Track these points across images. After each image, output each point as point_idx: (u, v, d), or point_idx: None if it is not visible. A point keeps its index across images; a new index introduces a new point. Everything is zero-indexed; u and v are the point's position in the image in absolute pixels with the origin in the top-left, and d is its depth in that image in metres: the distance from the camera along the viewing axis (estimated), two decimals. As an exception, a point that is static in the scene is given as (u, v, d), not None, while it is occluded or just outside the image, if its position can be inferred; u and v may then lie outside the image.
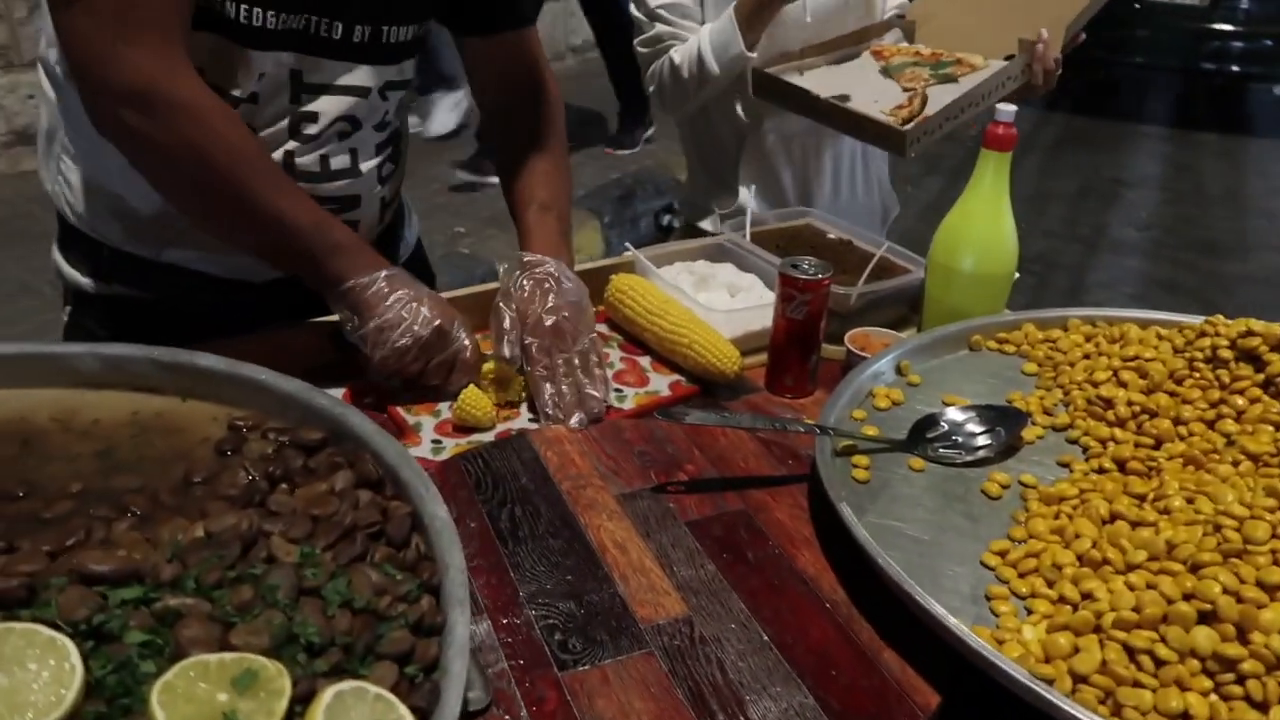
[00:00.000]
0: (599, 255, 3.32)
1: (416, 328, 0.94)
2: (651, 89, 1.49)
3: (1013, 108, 1.02)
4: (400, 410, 0.97)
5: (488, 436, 0.94)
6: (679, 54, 1.42)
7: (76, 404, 0.77)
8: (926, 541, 0.77)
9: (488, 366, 0.99)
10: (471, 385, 0.95)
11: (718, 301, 1.16)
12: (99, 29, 0.84)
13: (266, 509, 0.62)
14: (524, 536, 0.80)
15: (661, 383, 1.06)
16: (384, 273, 0.95)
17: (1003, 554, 0.74)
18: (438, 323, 0.95)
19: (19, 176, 2.67)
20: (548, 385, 0.97)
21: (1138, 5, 5.84)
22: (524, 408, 0.99)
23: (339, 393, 0.99)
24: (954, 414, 0.91)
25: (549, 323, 1.00)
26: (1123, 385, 0.92)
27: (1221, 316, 0.93)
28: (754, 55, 1.39)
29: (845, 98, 1.36)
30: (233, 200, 0.90)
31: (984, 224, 1.05)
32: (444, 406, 0.97)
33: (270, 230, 0.92)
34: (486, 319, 1.05)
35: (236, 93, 0.97)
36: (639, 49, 1.49)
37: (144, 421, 0.75)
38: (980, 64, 1.41)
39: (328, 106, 1.03)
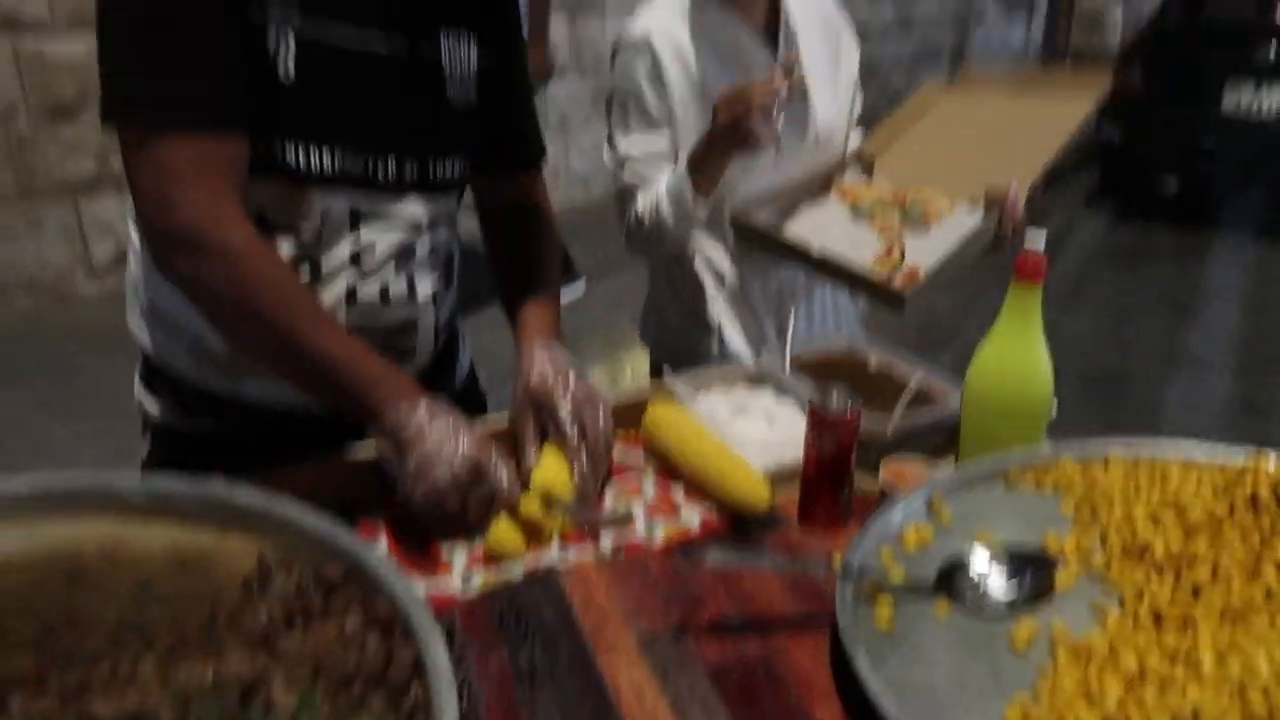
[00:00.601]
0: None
1: (454, 466, 0.95)
2: (623, 234, 1.52)
3: (1042, 234, 1.03)
4: (439, 543, 0.99)
5: (517, 570, 0.95)
6: (641, 203, 1.45)
7: (123, 535, 0.81)
8: (947, 696, 0.75)
9: (527, 508, 1.00)
10: (504, 516, 0.97)
11: (753, 431, 1.17)
12: (157, 177, 0.92)
13: (276, 650, 0.64)
14: (541, 678, 0.80)
15: (693, 515, 1.06)
16: (422, 407, 0.97)
17: (1025, 713, 0.72)
18: (475, 461, 0.96)
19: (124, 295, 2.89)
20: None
21: (1214, 117, 5.79)
22: (554, 547, 1.00)
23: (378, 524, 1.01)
24: (984, 558, 0.89)
25: (582, 394, 1.08)
26: (1162, 527, 0.89)
27: (1264, 456, 0.90)
28: (701, 213, 1.41)
29: (833, 252, 1.38)
30: (275, 338, 0.96)
31: (1017, 356, 1.05)
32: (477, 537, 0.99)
33: (310, 365, 0.97)
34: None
35: (303, 230, 1.04)
36: (612, 193, 1.53)
37: (183, 555, 0.79)
38: (946, 206, 1.44)
39: (384, 239, 1.10)
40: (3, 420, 2.92)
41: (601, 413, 1.08)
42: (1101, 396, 3.78)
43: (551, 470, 1.03)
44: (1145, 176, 6.71)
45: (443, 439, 0.96)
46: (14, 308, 3.69)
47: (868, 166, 1.58)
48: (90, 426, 2.87)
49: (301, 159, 1.01)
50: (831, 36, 1.58)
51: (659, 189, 1.43)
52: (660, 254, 1.52)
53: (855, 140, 1.64)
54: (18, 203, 3.65)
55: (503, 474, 0.99)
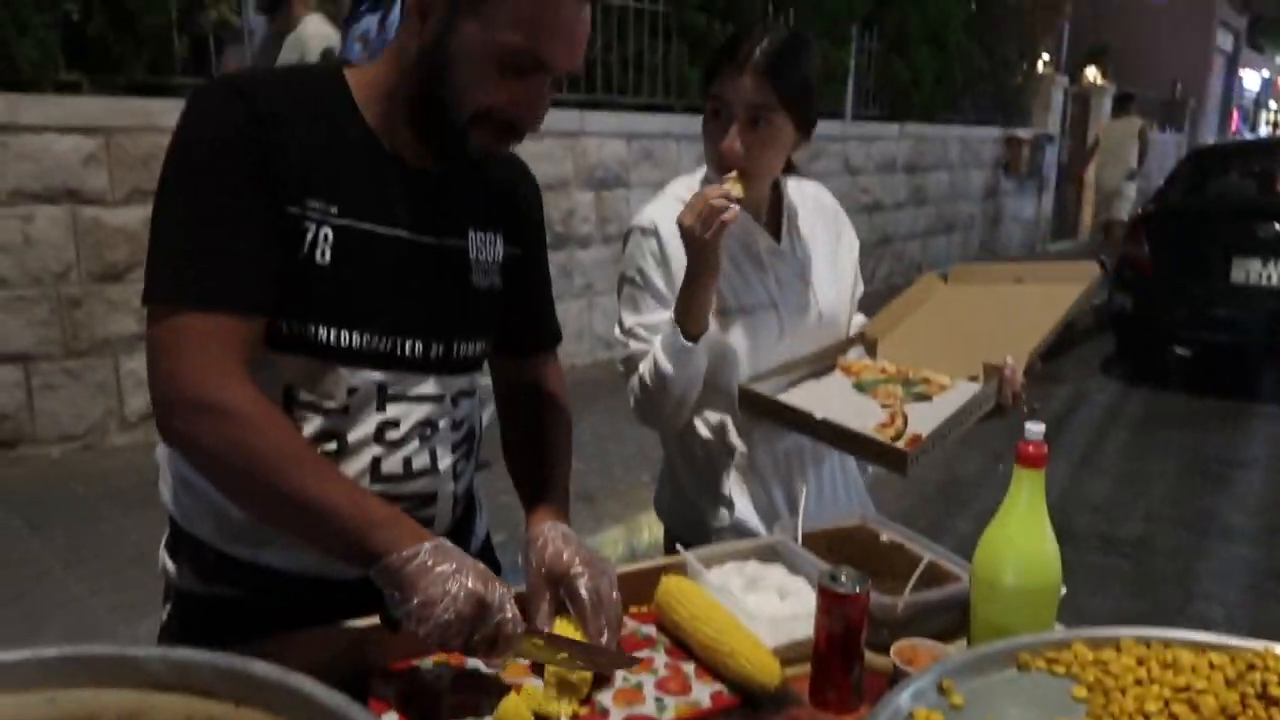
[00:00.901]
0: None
1: (459, 603, 0.95)
2: (632, 404, 1.55)
3: (1041, 426, 1.06)
4: (446, 717, 0.99)
5: (526, 746, 0.95)
6: (644, 366, 1.49)
7: (141, 706, 0.83)
8: None
9: (551, 670, 1.01)
10: (512, 695, 0.97)
11: (765, 606, 1.18)
12: (170, 346, 0.99)
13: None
14: None
15: (704, 692, 1.06)
16: (426, 545, 0.97)
17: None
18: (480, 597, 0.96)
19: (154, 447, 2.98)
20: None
21: (1224, 289, 5.91)
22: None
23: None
24: (994, 744, 0.88)
25: (595, 567, 1.11)
26: (1175, 718, 0.88)
27: (1274, 648, 0.90)
28: (695, 346, 1.43)
29: (836, 417, 1.42)
30: (275, 490, 0.98)
31: (1023, 540, 1.07)
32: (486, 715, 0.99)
33: (311, 513, 0.98)
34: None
35: (330, 405, 1.10)
36: (619, 368, 1.58)
37: (197, 727, 0.80)
38: (947, 383, 1.49)
39: (409, 414, 1.15)
40: (26, 569, 2.94)
41: (613, 585, 1.10)
42: (1126, 565, 3.71)
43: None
44: (1159, 344, 6.79)
45: (446, 577, 0.95)
46: (46, 457, 3.76)
47: (870, 348, 1.65)
48: (110, 580, 2.87)
49: (332, 338, 1.07)
50: (831, 227, 1.69)
51: (654, 348, 1.47)
52: (667, 418, 1.55)
53: (858, 322, 1.71)
54: (61, 359, 3.79)
55: (508, 612, 0.98)
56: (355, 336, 1.08)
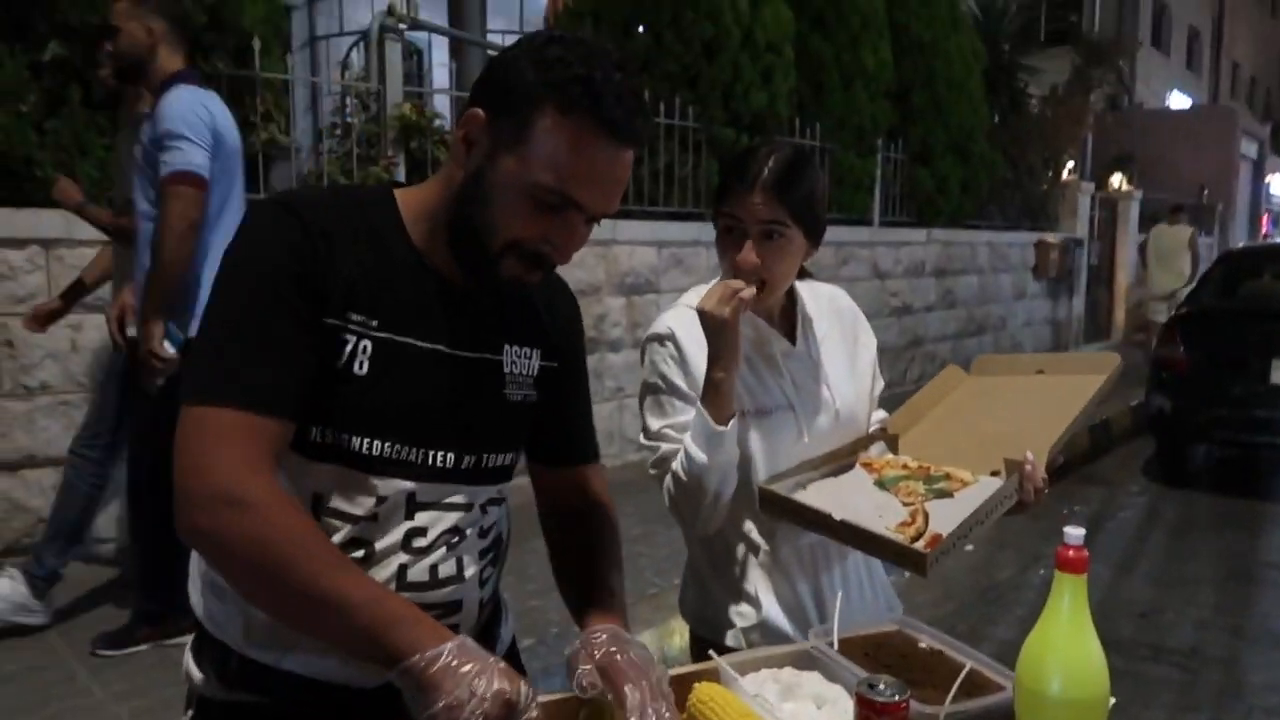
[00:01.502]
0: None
1: (486, 705, 0.92)
2: (669, 505, 1.55)
3: (1081, 530, 1.04)
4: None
5: None
6: (676, 462, 1.50)
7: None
8: None
9: None
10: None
11: (801, 715, 1.15)
12: (198, 441, 0.99)
13: None
14: None
15: (739, 806, 1.02)
16: (450, 645, 0.95)
17: None
18: (507, 698, 0.93)
19: (187, 553, 2.98)
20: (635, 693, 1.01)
21: (1264, 389, 5.83)
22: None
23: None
24: None
25: (631, 657, 1.06)
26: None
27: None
28: (725, 429, 1.44)
29: (855, 517, 1.40)
30: (294, 584, 0.96)
31: (1068, 647, 1.03)
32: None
33: (330, 610, 0.96)
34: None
35: (358, 513, 1.10)
36: (651, 472, 1.58)
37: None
38: (969, 479, 1.48)
39: (436, 522, 1.15)
40: (50, 674, 2.92)
41: (668, 695, 1.06)
42: (1176, 675, 3.56)
43: None
44: (1199, 446, 6.67)
45: (471, 680, 0.92)
46: (77, 560, 3.77)
47: (891, 444, 1.64)
48: (135, 684, 2.85)
49: (364, 447, 1.08)
50: (847, 328, 1.70)
51: (685, 442, 1.48)
52: (705, 513, 1.53)
53: (878, 419, 1.71)
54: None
55: (534, 711, 0.96)
56: (387, 446, 1.09)
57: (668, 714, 1.02)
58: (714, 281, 1.61)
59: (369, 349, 1.08)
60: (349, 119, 4.85)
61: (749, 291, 1.42)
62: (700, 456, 1.45)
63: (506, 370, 1.21)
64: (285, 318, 1.03)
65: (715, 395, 1.45)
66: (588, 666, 1.05)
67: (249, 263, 1.05)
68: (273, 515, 0.98)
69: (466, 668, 0.93)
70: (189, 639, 1.24)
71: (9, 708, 2.72)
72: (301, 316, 1.04)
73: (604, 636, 1.11)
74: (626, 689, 1.02)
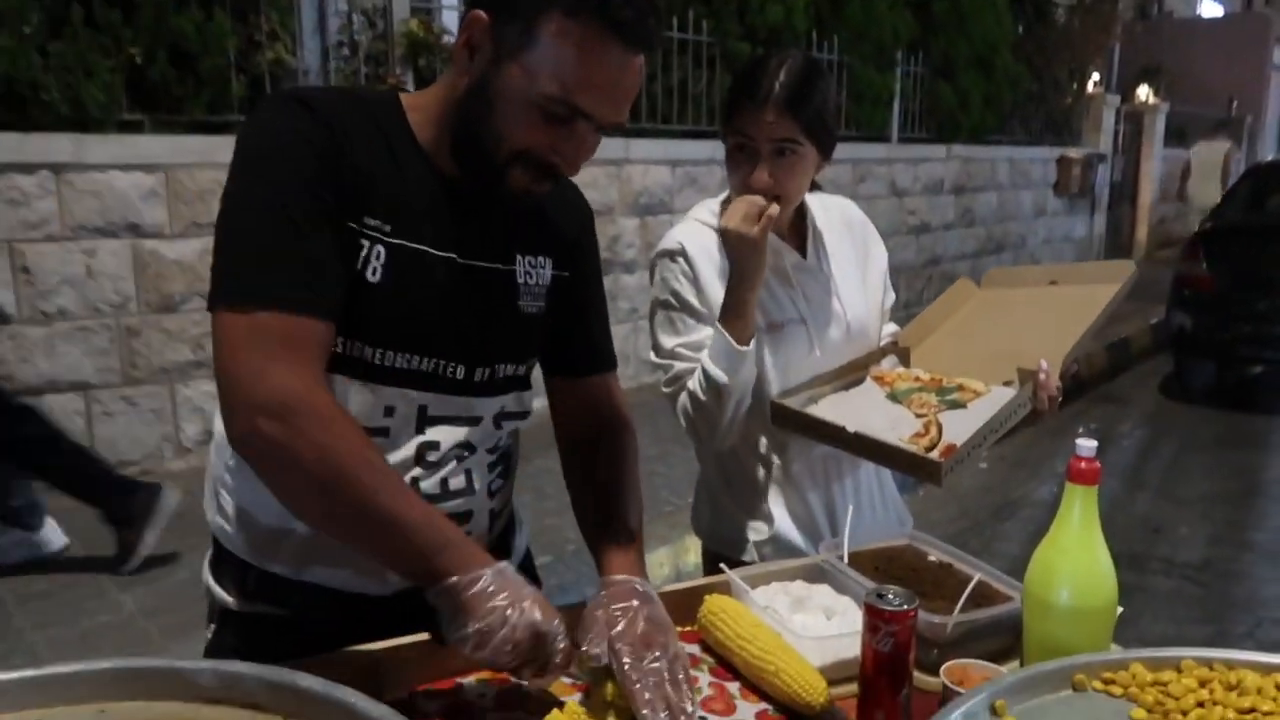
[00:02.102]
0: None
1: (517, 633, 0.94)
2: (684, 424, 1.55)
3: (1093, 442, 1.04)
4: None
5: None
6: (693, 382, 1.49)
7: (191, 718, 0.84)
8: None
9: (599, 694, 1.00)
10: (555, 712, 0.97)
11: (811, 626, 1.17)
12: (250, 348, 0.96)
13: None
14: None
15: (749, 711, 1.05)
16: (489, 571, 0.97)
17: None
18: (539, 629, 0.96)
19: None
20: (644, 693, 0.97)
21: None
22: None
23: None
24: (1049, 766, 0.85)
25: (639, 628, 1.02)
26: (1239, 741, 0.85)
27: (1343, 667, 0.86)
28: (748, 349, 1.43)
29: (869, 430, 1.40)
30: (353, 498, 0.96)
31: (1076, 557, 1.04)
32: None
33: (384, 527, 0.97)
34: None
35: (371, 425, 1.10)
36: (664, 390, 1.57)
37: (245, 739, 0.81)
38: (982, 389, 1.46)
39: (448, 435, 1.15)
40: (81, 590, 3.00)
41: (684, 667, 1.03)
42: (1192, 589, 3.59)
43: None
44: (1220, 364, 6.62)
45: (506, 605, 0.95)
46: (105, 485, 3.86)
47: (903, 357, 1.63)
48: (164, 601, 2.93)
49: (376, 357, 1.08)
50: (859, 240, 1.68)
51: (703, 360, 1.47)
52: (723, 431, 1.53)
53: (889, 332, 1.70)
54: (120, 386, 3.89)
55: (562, 643, 0.98)
56: (400, 358, 1.09)
57: (683, 700, 0.98)
58: (723, 196, 1.59)
59: (383, 255, 1.05)
60: (356, 37, 4.75)
61: (774, 209, 1.40)
62: (720, 376, 1.44)
63: (520, 281, 1.19)
64: (318, 214, 1.00)
65: (738, 315, 1.44)
66: (599, 650, 1.01)
67: (271, 152, 1.01)
68: (342, 429, 0.97)
69: (503, 595, 0.95)
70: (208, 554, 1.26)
71: (41, 622, 2.81)
72: (330, 213, 1.01)
73: (624, 590, 1.08)
74: (637, 692, 0.98)
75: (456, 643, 0.96)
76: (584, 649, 1.00)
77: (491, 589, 0.95)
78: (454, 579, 0.95)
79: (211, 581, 1.23)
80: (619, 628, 1.02)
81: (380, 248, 1.05)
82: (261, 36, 4.22)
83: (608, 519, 1.21)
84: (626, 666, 0.98)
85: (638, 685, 0.97)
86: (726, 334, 1.43)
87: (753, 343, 1.45)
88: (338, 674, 0.85)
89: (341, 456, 0.96)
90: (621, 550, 1.16)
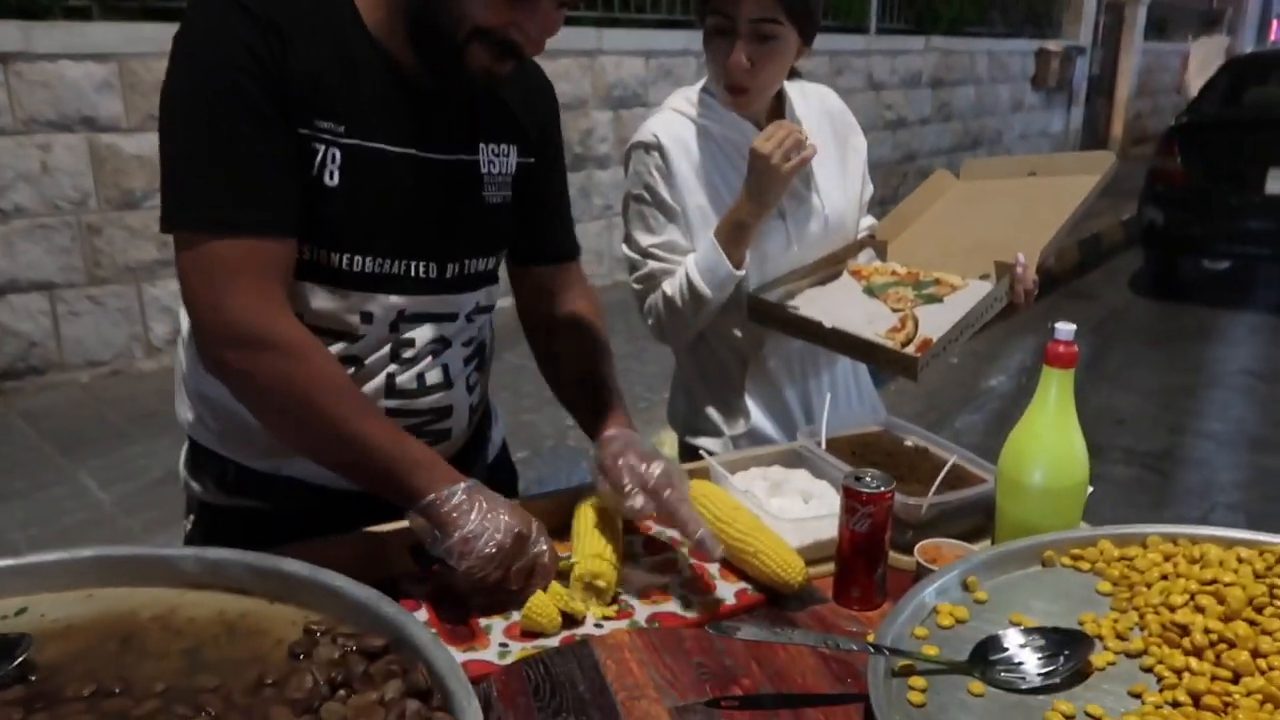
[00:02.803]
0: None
1: (499, 536, 0.98)
2: (650, 322, 1.56)
3: (1071, 326, 1.04)
4: (478, 616, 1.00)
5: (553, 641, 0.97)
6: (670, 286, 1.49)
7: (176, 603, 0.84)
8: (981, 774, 0.74)
9: (581, 570, 1.02)
10: (539, 592, 0.99)
11: (789, 509, 1.18)
12: (210, 276, 0.96)
13: (319, 716, 0.66)
14: (574, 749, 0.81)
15: (728, 590, 1.07)
16: (462, 485, 1.00)
17: (1060, 793, 0.71)
18: (518, 530, 0.99)
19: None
20: (687, 509, 1.04)
21: (1259, 200, 5.77)
22: (589, 617, 1.01)
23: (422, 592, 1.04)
24: (1019, 636, 0.89)
25: (658, 470, 1.07)
26: (1200, 611, 0.88)
27: (1303, 540, 0.89)
28: (742, 273, 1.44)
29: (846, 325, 1.40)
30: (323, 426, 0.99)
31: (1051, 439, 1.06)
32: (514, 610, 1.01)
33: (356, 452, 1.00)
34: (566, 521, 1.13)
35: (344, 330, 1.09)
36: (634, 286, 1.57)
37: (230, 622, 0.82)
38: (959, 283, 1.47)
39: (423, 332, 1.14)
40: (60, 489, 3.01)
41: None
42: (1151, 477, 3.71)
43: (595, 558, 1.04)
44: (1190, 258, 6.68)
45: (484, 515, 0.98)
46: (76, 383, 3.82)
47: (880, 251, 1.62)
48: (142, 498, 2.94)
49: (344, 263, 1.05)
50: (838, 130, 1.64)
51: (687, 268, 1.47)
52: (687, 335, 1.55)
53: (866, 225, 1.68)
54: (85, 286, 3.81)
55: (543, 544, 1.02)
56: (369, 262, 1.06)
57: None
58: (700, 84, 1.55)
59: (338, 158, 1.02)
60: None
61: (811, 151, 1.38)
62: (705, 291, 1.44)
63: (484, 171, 1.15)
64: (261, 127, 0.97)
65: (739, 236, 1.43)
66: (642, 502, 1.06)
67: (207, 69, 0.96)
68: (306, 357, 0.99)
69: (480, 504, 0.99)
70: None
71: (22, 520, 2.82)
72: (275, 123, 0.98)
73: (631, 442, 1.12)
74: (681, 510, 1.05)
75: (441, 555, 0.99)
76: (628, 503, 1.05)
77: (468, 500, 0.99)
78: (430, 496, 0.98)
79: (189, 477, 1.23)
80: (645, 474, 1.07)
81: (335, 150, 1.02)
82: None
83: (590, 380, 1.22)
84: (661, 503, 1.05)
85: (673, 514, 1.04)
86: (723, 254, 1.42)
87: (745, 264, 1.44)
88: (321, 559, 0.85)
89: (306, 384, 0.98)
90: (609, 407, 1.18)
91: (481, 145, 1.15)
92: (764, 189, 1.38)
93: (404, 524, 1.11)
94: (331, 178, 1.02)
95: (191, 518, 1.26)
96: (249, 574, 0.85)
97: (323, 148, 1.01)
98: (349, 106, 1.02)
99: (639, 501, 1.05)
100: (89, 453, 3.21)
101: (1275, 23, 23.91)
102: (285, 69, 0.98)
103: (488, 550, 0.97)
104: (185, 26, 0.99)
